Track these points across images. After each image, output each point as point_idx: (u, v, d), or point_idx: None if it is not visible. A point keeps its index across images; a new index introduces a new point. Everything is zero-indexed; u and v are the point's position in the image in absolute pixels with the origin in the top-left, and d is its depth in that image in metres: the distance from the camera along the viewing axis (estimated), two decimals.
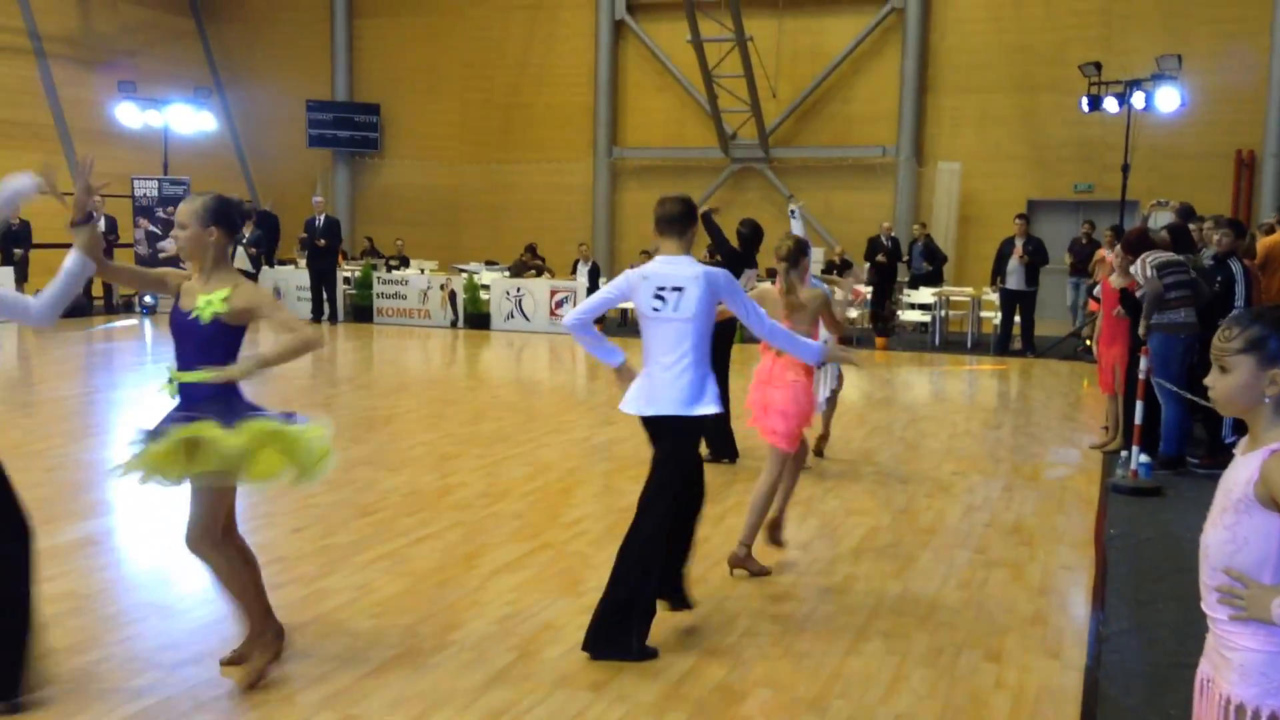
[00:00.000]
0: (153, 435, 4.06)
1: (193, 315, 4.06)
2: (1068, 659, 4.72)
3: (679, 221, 4.73)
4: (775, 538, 5.95)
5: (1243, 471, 2.33)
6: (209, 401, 4.05)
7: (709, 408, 4.70)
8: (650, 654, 4.58)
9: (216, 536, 4.19)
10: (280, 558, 5.75)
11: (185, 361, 4.11)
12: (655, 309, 4.66)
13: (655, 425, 4.76)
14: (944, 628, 5.04)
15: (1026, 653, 4.77)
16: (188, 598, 5.20)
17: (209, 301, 4.05)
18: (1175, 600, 5.43)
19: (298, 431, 4.10)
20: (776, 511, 5.90)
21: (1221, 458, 8.11)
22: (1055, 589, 5.71)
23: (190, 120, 21.10)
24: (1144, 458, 7.85)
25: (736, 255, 8.55)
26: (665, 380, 4.66)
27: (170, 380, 4.13)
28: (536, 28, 23.79)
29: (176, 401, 4.16)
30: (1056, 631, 5.06)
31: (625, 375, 4.86)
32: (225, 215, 4.15)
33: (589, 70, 23.24)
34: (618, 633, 4.55)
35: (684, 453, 4.80)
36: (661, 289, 4.65)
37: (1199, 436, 8.92)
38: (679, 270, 4.67)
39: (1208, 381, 2.40)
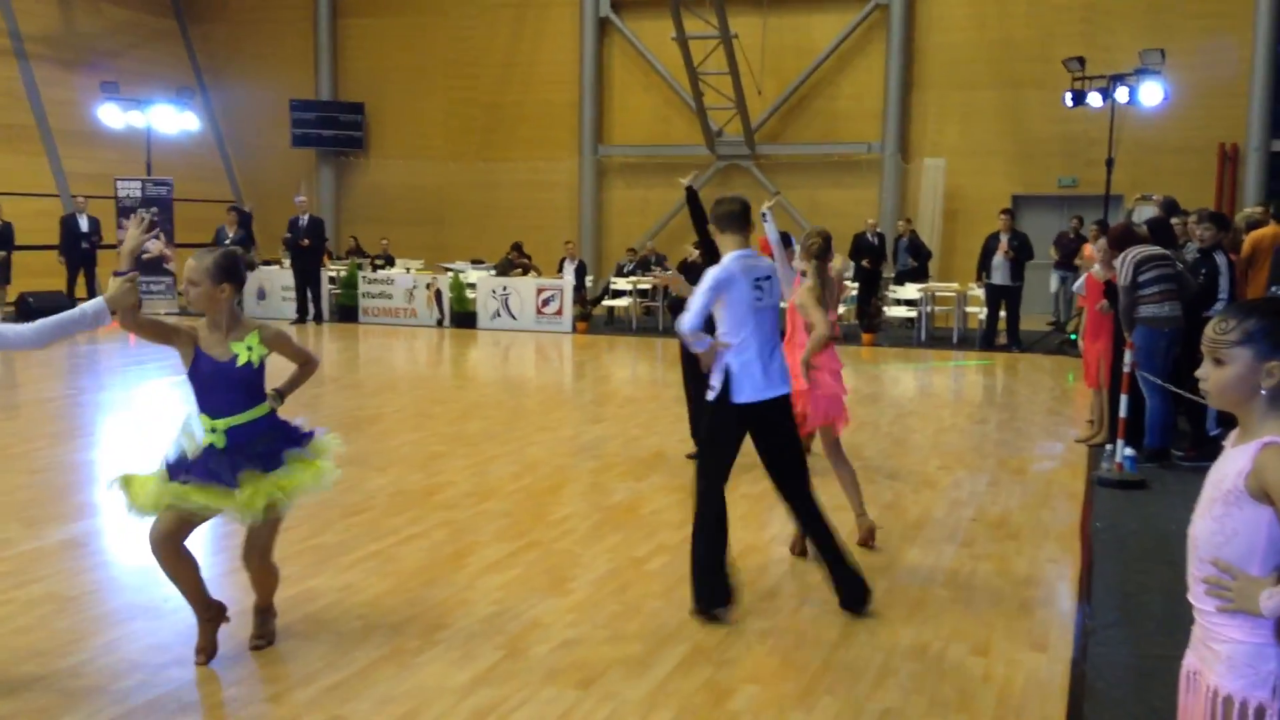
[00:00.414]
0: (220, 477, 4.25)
1: (241, 363, 4.30)
2: (1054, 652, 4.74)
3: (739, 217, 5.09)
4: (865, 541, 6.14)
5: (1233, 464, 2.32)
6: (269, 434, 4.37)
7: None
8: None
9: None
10: None
11: (229, 407, 4.31)
12: (758, 298, 4.97)
13: (773, 405, 5.02)
14: (930, 622, 5.06)
15: (1013, 646, 4.79)
16: (174, 599, 5.16)
17: (250, 347, 4.33)
18: (1161, 592, 5.46)
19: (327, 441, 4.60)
20: (855, 506, 6.20)
21: (1206, 450, 8.15)
22: (1041, 582, 5.73)
23: (173, 121, 21.03)
24: (1129, 451, 7.88)
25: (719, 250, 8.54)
26: (779, 361, 5.05)
27: (215, 430, 4.29)
28: (521, 26, 23.75)
29: (217, 447, 4.29)
30: (1043, 625, 5.08)
31: (713, 351, 5.05)
32: (234, 270, 4.38)
33: (574, 68, 23.20)
34: (861, 585, 5.07)
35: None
36: (758, 279, 5.00)
37: (1183, 430, 8.95)
38: (761, 261, 5.11)
39: (1200, 374, 2.38)
